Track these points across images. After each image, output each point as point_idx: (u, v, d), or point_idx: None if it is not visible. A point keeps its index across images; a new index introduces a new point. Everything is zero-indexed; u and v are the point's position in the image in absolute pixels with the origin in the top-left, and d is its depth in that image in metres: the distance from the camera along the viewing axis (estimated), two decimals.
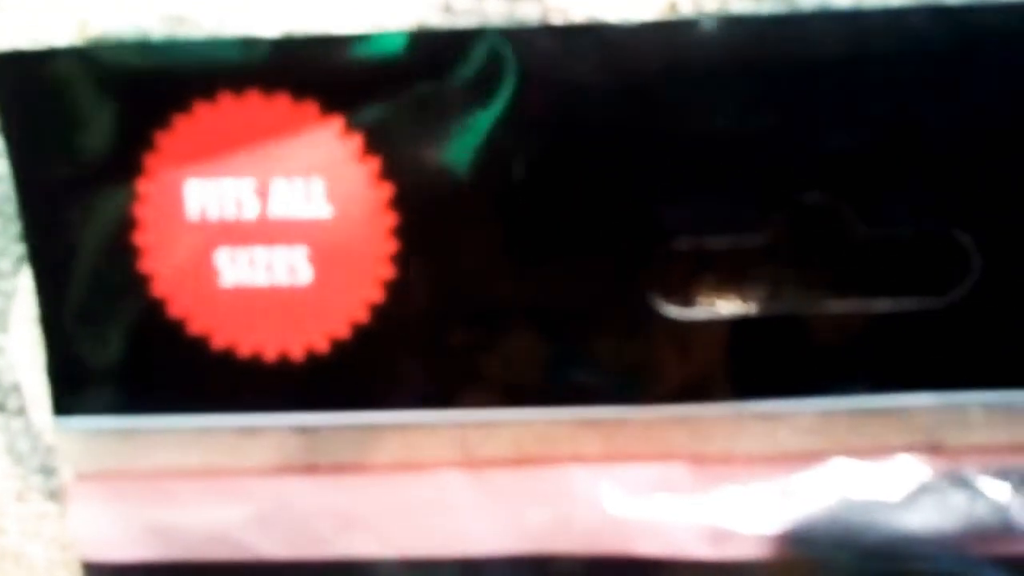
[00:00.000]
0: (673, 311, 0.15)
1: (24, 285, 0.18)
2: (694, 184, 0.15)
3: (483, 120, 0.15)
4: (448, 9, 0.16)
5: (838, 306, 0.16)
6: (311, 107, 0.15)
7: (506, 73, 0.15)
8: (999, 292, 0.15)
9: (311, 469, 0.17)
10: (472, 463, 0.17)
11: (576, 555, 0.16)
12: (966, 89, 0.15)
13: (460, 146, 0.15)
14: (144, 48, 0.15)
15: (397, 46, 0.15)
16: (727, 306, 0.16)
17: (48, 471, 0.18)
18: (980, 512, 0.16)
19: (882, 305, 0.15)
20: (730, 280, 0.16)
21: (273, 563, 0.17)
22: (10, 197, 0.17)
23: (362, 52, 0.15)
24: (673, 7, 0.16)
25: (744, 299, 0.16)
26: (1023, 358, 0.15)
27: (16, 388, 0.18)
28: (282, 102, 0.15)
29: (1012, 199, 0.15)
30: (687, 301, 0.16)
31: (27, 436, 0.18)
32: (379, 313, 0.15)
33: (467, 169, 0.15)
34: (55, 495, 0.18)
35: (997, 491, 0.16)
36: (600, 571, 0.16)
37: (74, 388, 0.16)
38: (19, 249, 0.18)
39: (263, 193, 0.15)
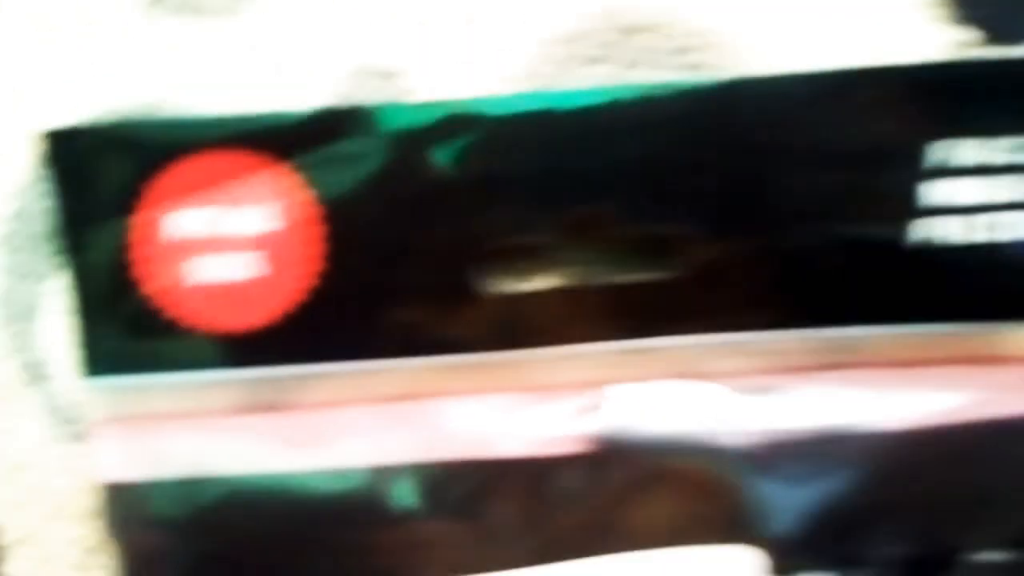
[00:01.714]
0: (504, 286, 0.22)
1: (48, 289, 0.24)
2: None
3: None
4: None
5: (606, 278, 0.22)
6: (266, 157, 0.21)
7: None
8: (721, 264, 0.22)
9: (259, 408, 0.22)
10: (378, 400, 0.23)
11: (453, 460, 0.22)
12: None
13: (361, 181, 0.22)
14: (146, 123, 0.22)
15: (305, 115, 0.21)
16: (539, 282, 0.22)
17: (72, 421, 0.25)
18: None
19: (629, 277, 0.22)
20: (535, 265, 0.23)
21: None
22: (40, 228, 0.24)
23: (302, 117, 0.21)
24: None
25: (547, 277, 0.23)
26: (750, 310, 0.22)
27: (43, 362, 0.25)
28: (243, 155, 0.21)
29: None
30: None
31: (55, 396, 0.25)
32: (314, 294, 0.21)
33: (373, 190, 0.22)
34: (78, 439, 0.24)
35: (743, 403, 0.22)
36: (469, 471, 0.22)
37: (96, 357, 0.22)
38: (46, 264, 0.24)
39: (228, 215, 0.22)
